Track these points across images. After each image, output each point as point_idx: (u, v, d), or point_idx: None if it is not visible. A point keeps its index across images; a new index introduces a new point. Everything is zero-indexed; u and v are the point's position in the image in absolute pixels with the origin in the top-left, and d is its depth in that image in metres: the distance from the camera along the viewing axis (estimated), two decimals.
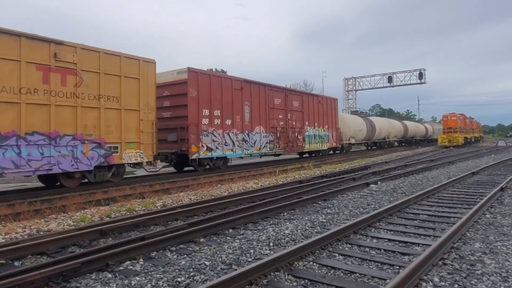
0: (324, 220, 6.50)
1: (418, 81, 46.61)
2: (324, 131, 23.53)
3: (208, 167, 15.23)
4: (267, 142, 17.95)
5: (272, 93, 18.59)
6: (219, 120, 15.18)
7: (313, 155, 24.04)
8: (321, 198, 8.67)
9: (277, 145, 18.72)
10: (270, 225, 6.37)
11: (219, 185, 11.77)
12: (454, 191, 9.42)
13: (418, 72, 46.46)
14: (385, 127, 36.36)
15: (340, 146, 26.75)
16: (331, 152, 26.85)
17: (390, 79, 48.35)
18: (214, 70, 56.60)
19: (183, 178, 12.87)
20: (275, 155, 19.77)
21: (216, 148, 15.00)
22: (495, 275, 3.89)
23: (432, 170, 14.96)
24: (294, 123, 20.31)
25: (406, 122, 46.60)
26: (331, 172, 14.17)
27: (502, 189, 9.02)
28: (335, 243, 5.06)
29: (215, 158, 15.22)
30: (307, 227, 5.99)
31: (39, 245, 5.08)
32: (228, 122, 15.63)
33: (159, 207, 8.17)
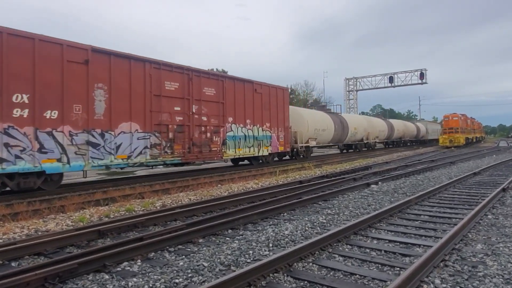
0: (324, 221, 6.44)
1: (420, 81, 46.54)
2: (263, 130, 17.25)
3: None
4: (146, 147, 11.89)
5: (159, 73, 12.46)
6: (27, 110, 9.18)
7: (253, 163, 18.03)
8: (321, 198, 8.62)
9: (169, 151, 12.62)
10: (270, 225, 6.32)
11: (219, 185, 11.72)
12: (456, 191, 9.36)
13: (419, 72, 46.40)
14: (362, 126, 30.75)
15: (293, 150, 20.88)
16: (287, 157, 21.32)
17: (391, 79, 48.29)
18: (215, 70, 56.68)
19: (184, 178, 12.83)
20: (167, 165, 13.56)
21: (17, 157, 8.94)
22: (497, 277, 3.83)
23: (433, 170, 14.89)
24: (204, 119, 14.17)
25: (392, 120, 41.04)
26: (331, 172, 14.11)
27: (504, 189, 8.95)
28: (335, 244, 5.01)
29: (18, 174, 9.17)
30: (307, 228, 5.94)
31: (37, 246, 5.03)
32: (52, 114, 9.66)
33: (158, 207, 8.12)
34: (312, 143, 22.94)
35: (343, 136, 27.53)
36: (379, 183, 11.01)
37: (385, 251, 4.77)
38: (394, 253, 4.71)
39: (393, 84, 48.34)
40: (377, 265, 4.30)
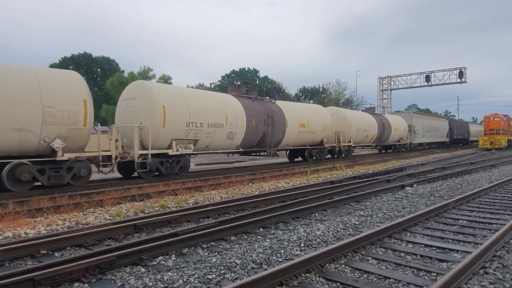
0: (356, 222, 6.35)
1: (458, 80, 44.59)
2: None
3: None
4: None
5: None
6: None
7: None
8: (353, 199, 8.49)
9: None
10: (301, 225, 6.30)
11: (250, 184, 11.79)
12: (497, 196, 8.93)
13: (458, 70, 44.47)
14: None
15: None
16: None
17: (427, 78, 46.58)
18: (246, 69, 56.94)
19: (215, 176, 13.00)
20: None
21: None
22: None
23: (473, 173, 14.28)
24: None
25: (308, 106, 21.66)
26: (364, 173, 13.85)
27: None
28: (368, 247, 4.93)
29: None
30: (339, 229, 5.87)
31: (78, 237, 5.29)
32: None
33: (191, 204, 8.29)
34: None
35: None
36: (414, 185, 10.70)
37: (421, 256, 4.63)
38: (431, 258, 4.57)
39: (429, 83, 46.58)
40: (412, 269, 4.19)
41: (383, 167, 17.01)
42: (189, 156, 13.36)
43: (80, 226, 6.35)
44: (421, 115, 38.72)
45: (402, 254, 4.72)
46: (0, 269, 4.28)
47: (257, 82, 56.40)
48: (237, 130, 14.71)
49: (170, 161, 12.42)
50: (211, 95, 14.75)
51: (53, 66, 45.31)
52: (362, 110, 29.73)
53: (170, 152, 12.20)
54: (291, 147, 18.74)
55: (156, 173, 12.39)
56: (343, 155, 22.55)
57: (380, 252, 4.79)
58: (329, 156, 21.86)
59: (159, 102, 11.84)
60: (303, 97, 62.34)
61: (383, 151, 32.10)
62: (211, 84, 17.74)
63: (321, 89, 62.39)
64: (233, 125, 14.44)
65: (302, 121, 18.47)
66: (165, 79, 47.74)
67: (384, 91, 50.51)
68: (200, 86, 53.54)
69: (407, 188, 10.27)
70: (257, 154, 17.27)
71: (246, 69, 57.41)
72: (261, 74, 58.21)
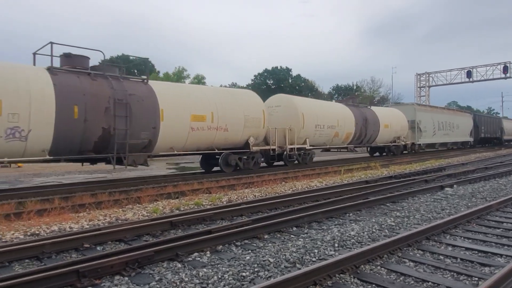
0: (392, 223, 6.20)
1: (503, 75, 42.31)
2: None
3: None
4: None
5: None
6: None
7: None
8: (389, 200, 8.29)
9: None
10: (335, 225, 6.24)
11: (283, 182, 11.79)
12: None
13: (502, 65, 42.18)
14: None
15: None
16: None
17: (469, 74, 44.50)
18: (278, 68, 56.83)
19: (249, 175, 13.10)
20: None
21: None
22: None
23: None
24: None
25: (216, 90, 14.92)
26: (400, 173, 13.47)
27: None
28: (405, 249, 4.81)
29: None
30: (374, 230, 5.77)
31: (118, 233, 5.52)
32: None
33: (224, 203, 8.41)
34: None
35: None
36: (455, 186, 10.28)
37: (461, 259, 4.46)
38: (472, 261, 4.39)
39: (471, 79, 44.50)
40: (452, 273, 4.04)
41: (420, 166, 16.48)
42: None
43: (119, 221, 6.61)
44: (431, 108, 29.54)
45: (441, 257, 4.56)
46: (48, 261, 4.56)
47: (290, 80, 56.12)
48: (34, 124, 8.88)
49: None
50: None
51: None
52: (336, 101, 22.62)
53: None
54: (177, 152, 12.22)
55: None
56: (296, 162, 16.43)
57: (418, 255, 4.66)
58: (281, 163, 16.51)
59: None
60: (336, 95, 61.36)
61: (377, 153, 24.49)
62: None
63: (355, 87, 61.14)
64: (19, 116, 8.63)
65: (200, 112, 12.23)
66: (199, 79, 48.58)
67: (422, 88, 48.77)
68: (233, 85, 54.02)
69: (446, 188, 9.89)
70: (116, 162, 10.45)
71: (279, 67, 57.17)
72: (294, 73, 57.72)
